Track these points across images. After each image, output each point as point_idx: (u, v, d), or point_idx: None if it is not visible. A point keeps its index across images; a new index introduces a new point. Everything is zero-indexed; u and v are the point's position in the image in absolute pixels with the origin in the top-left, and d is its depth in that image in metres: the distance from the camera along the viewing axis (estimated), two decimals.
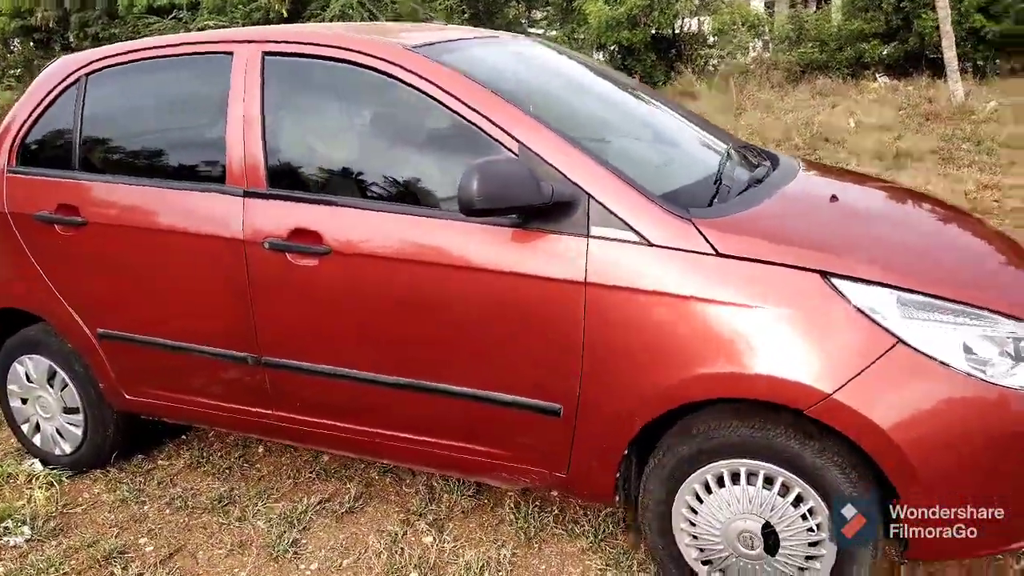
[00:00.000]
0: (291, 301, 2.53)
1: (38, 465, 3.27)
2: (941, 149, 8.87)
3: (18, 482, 3.19)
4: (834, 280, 1.98)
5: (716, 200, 2.32)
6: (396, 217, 2.37)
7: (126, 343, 2.88)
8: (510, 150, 2.25)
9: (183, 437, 3.49)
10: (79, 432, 3.16)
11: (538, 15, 20.27)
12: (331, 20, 14.47)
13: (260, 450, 3.34)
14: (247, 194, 2.56)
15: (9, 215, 2.98)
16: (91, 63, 2.92)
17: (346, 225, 2.42)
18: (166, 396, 2.93)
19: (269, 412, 2.74)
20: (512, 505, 2.79)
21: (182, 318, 2.75)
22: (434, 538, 2.67)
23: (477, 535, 2.68)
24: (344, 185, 2.53)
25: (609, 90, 3.09)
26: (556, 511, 2.76)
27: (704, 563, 2.24)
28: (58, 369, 3.10)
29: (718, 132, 3.08)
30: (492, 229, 2.24)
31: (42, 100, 2.99)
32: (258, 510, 2.89)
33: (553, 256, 2.17)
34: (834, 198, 2.48)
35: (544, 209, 2.15)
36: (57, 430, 3.20)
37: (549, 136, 2.26)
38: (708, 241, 2.06)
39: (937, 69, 14.95)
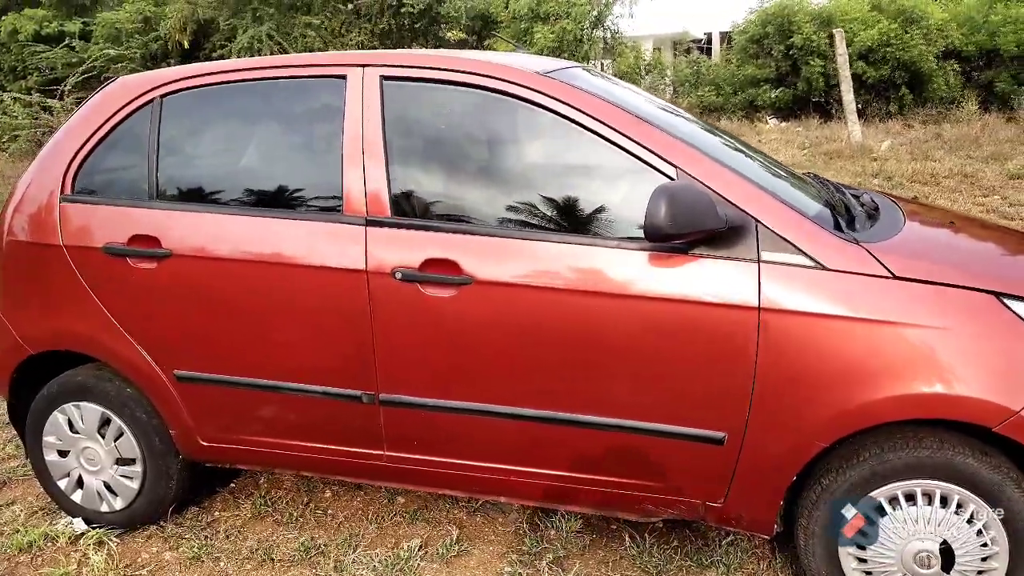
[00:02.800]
0: (422, 334, 2.41)
1: (79, 523, 2.95)
2: (857, 185, 9.44)
3: (60, 544, 2.86)
4: (1007, 301, 2.07)
5: (855, 228, 2.37)
6: (542, 245, 2.31)
7: (210, 385, 2.66)
8: (666, 175, 2.24)
9: (232, 485, 3.24)
10: (134, 485, 2.87)
11: None
12: (239, 52, 14.15)
13: (327, 494, 3.14)
14: (369, 223, 2.43)
15: (64, 248, 2.71)
16: (165, 84, 2.71)
17: (487, 253, 2.34)
18: (251, 441, 2.72)
19: (380, 453, 2.59)
20: (628, 539, 2.73)
21: (283, 356, 2.57)
22: None
23: (602, 572, 2.61)
24: (479, 212, 2.44)
25: (685, 120, 3.12)
26: (676, 543, 2.72)
27: None
28: (113, 416, 2.82)
29: (779, 163, 3.16)
30: (652, 254, 2.22)
31: (103, 123, 2.74)
32: (356, 558, 2.70)
33: (722, 281, 2.17)
34: (952, 224, 2.60)
35: (714, 235, 2.15)
36: (106, 484, 2.90)
37: (707, 162, 2.27)
38: (883, 264, 2.11)
39: (824, 112, 16.05)
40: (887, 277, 2.10)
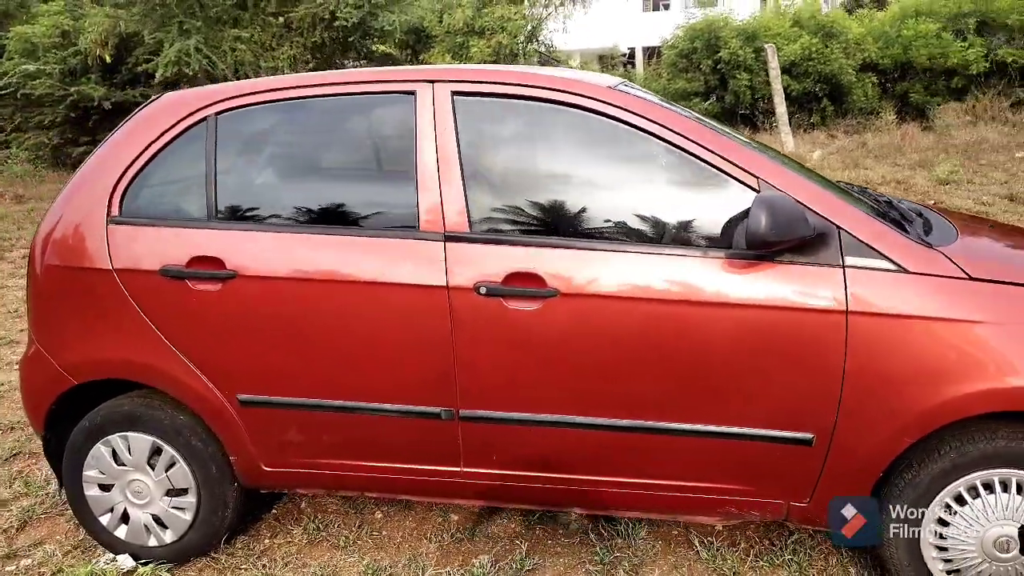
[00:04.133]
0: (506, 348, 2.42)
1: (126, 560, 2.82)
2: None
3: None
4: None
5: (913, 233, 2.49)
6: (625, 255, 2.35)
7: (277, 408, 2.59)
8: (749, 187, 2.32)
9: (274, 511, 3.15)
10: (187, 516, 2.76)
11: None
12: (166, 66, 13.73)
13: (378, 515, 3.08)
14: (448, 238, 2.43)
15: (114, 272, 2.60)
16: (219, 101, 2.63)
17: (571, 265, 2.37)
18: (318, 464, 2.66)
19: (456, 470, 2.57)
20: (698, 544, 2.78)
21: (357, 375, 2.53)
22: None
23: None
24: (559, 225, 2.46)
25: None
26: (743, 544, 2.78)
27: (950, 573, 2.36)
28: (165, 446, 2.71)
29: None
30: (738, 261, 2.29)
31: (152, 142, 2.65)
32: None
33: (810, 287, 2.25)
34: (993, 227, 2.76)
35: (803, 243, 2.24)
36: (155, 517, 2.79)
37: (787, 173, 2.36)
38: (959, 267, 2.23)
39: (751, 124, 16.60)
40: (964, 278, 2.22)
